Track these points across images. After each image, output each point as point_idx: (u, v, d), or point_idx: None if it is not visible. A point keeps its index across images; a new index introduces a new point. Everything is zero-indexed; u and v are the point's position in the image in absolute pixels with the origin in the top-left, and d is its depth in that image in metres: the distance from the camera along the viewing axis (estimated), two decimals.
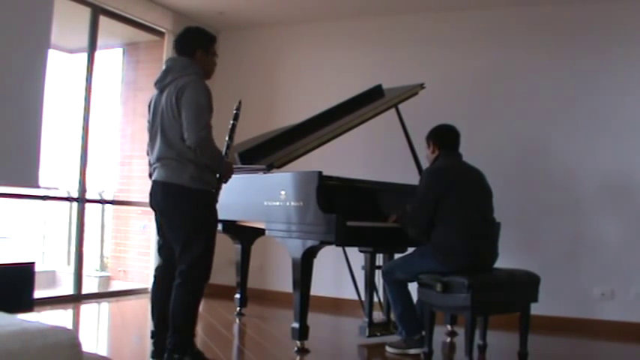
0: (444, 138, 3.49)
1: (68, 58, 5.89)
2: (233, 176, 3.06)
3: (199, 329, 3.14)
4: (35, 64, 3.88)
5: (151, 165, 3.03)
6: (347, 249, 4.07)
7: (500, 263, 3.37)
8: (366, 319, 3.80)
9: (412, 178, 3.81)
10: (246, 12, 5.39)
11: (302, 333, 3.36)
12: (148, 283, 5.42)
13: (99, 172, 5.74)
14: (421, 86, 4.30)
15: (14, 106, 3.74)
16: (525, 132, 4.79)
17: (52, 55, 4.07)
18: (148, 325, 3.97)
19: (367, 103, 4.12)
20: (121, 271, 5.84)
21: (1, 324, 1.54)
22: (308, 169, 3.41)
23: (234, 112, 3.21)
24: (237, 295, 4.58)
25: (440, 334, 3.85)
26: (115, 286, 5.74)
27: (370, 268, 3.85)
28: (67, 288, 5.13)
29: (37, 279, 4.26)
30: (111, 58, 6.03)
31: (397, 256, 3.77)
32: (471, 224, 3.22)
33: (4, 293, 3.74)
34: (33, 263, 4.25)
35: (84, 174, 4.89)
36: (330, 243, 3.24)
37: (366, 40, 5.39)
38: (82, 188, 4.90)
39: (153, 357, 2.93)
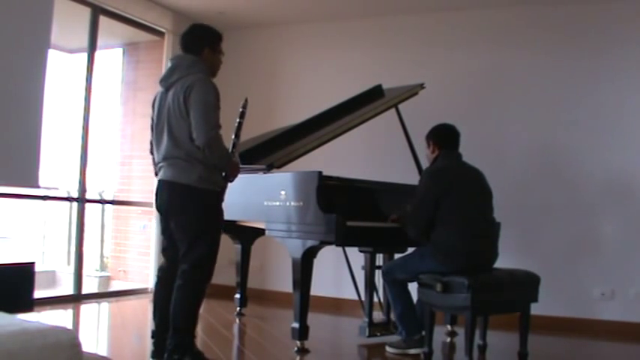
0: (444, 138, 3.49)
1: (68, 58, 5.89)
2: None
3: (199, 329, 3.15)
4: (35, 64, 3.88)
5: (155, 164, 3.00)
6: (347, 249, 4.07)
7: (500, 263, 3.37)
8: (366, 319, 3.80)
9: (412, 178, 3.81)
10: (246, 12, 5.39)
11: (302, 333, 3.36)
12: (148, 283, 5.43)
13: (99, 172, 5.74)
14: (421, 86, 4.30)
15: (14, 106, 3.74)
16: (525, 132, 4.79)
17: (52, 55, 4.07)
18: (148, 325, 3.97)
19: (367, 103, 4.12)
20: (121, 271, 5.83)
21: (1, 324, 1.54)
22: (308, 169, 3.41)
23: (241, 110, 3.15)
24: (237, 295, 4.58)
25: (440, 334, 3.85)
26: (115, 286, 5.74)
27: (370, 268, 3.85)
28: (67, 288, 5.13)
29: (37, 279, 4.26)
30: (111, 58, 6.03)
31: (397, 256, 3.77)
32: (471, 224, 3.22)
33: (4, 293, 3.74)
34: (33, 263, 4.25)
35: (84, 174, 4.89)
36: (330, 243, 3.24)
37: (366, 40, 5.39)
38: (82, 188, 4.90)
39: (153, 357, 2.92)
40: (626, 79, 4.52)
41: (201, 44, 2.97)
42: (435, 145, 3.49)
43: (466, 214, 3.22)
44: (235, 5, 5.24)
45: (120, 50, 6.08)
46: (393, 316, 3.71)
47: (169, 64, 2.98)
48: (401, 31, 5.27)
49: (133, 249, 5.79)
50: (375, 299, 3.97)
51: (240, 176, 3.12)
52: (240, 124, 3.14)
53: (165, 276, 2.97)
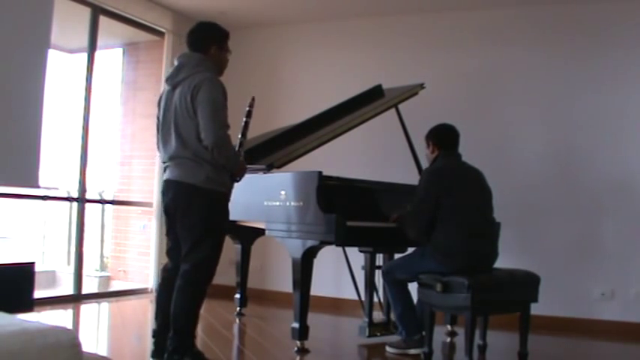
0: (444, 138, 3.49)
1: (68, 58, 5.89)
2: None
3: (199, 329, 3.14)
4: (35, 64, 3.88)
5: (164, 162, 2.96)
6: (347, 249, 4.06)
7: (500, 263, 3.37)
8: (366, 319, 3.80)
9: (412, 178, 3.81)
10: (246, 12, 5.39)
11: (302, 333, 3.36)
12: (148, 283, 5.43)
13: (99, 172, 5.74)
14: (421, 86, 4.30)
15: (14, 106, 3.74)
16: (525, 132, 4.79)
17: (52, 55, 4.07)
18: (148, 325, 3.98)
19: (367, 103, 4.12)
20: (121, 271, 5.83)
21: (1, 324, 1.54)
22: (308, 169, 3.41)
23: (248, 109, 3.13)
24: (237, 295, 4.58)
25: (440, 334, 3.85)
26: (115, 286, 5.74)
27: (370, 268, 3.85)
28: (67, 288, 5.13)
29: (37, 279, 4.26)
30: (111, 58, 6.03)
31: (397, 256, 3.77)
32: (471, 224, 3.21)
33: (4, 293, 3.74)
34: (33, 263, 4.25)
35: (84, 174, 4.89)
36: (330, 243, 3.24)
37: (366, 40, 5.39)
38: (82, 188, 4.90)
39: (153, 356, 2.92)
40: (626, 79, 4.52)
41: (208, 42, 2.94)
42: (434, 146, 3.49)
43: (466, 214, 3.22)
44: (236, 5, 5.24)
45: (120, 50, 6.08)
46: (393, 316, 3.71)
47: (176, 63, 2.95)
48: (401, 31, 5.27)
49: (133, 249, 5.79)
50: (375, 299, 3.97)
51: None
52: (246, 123, 3.12)
53: (169, 276, 2.94)
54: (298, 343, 3.37)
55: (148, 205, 5.53)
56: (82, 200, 4.92)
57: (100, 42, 5.02)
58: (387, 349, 3.51)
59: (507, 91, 4.90)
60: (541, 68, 4.77)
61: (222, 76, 3.04)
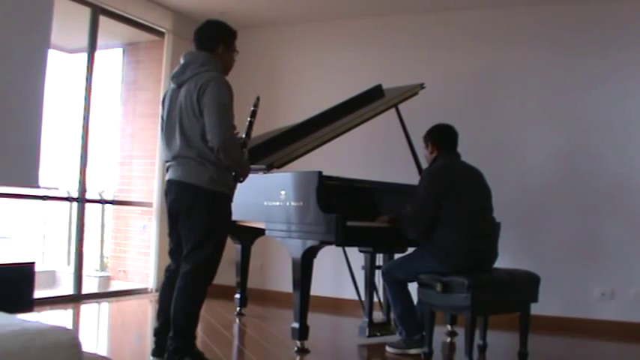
0: (443, 138, 3.49)
1: (68, 58, 5.89)
2: None
3: (199, 329, 3.14)
4: (35, 64, 3.87)
5: (167, 161, 2.94)
6: (347, 249, 4.06)
7: (500, 263, 3.37)
8: (366, 319, 3.80)
9: (412, 178, 3.81)
10: (246, 12, 5.39)
11: (302, 333, 3.36)
12: (148, 283, 5.44)
13: (99, 172, 5.74)
14: (421, 86, 4.30)
15: (14, 106, 3.74)
16: (525, 132, 4.79)
17: (52, 55, 4.07)
18: (148, 325, 3.98)
19: (367, 103, 4.12)
20: (121, 271, 5.83)
21: (1, 324, 1.54)
22: (308, 169, 3.41)
23: (252, 109, 3.11)
24: (237, 295, 4.58)
25: (440, 334, 3.85)
26: (115, 286, 5.74)
27: (370, 268, 3.85)
28: (67, 288, 5.13)
29: (37, 279, 4.26)
30: (111, 58, 6.03)
31: (397, 256, 3.77)
32: (471, 224, 3.21)
33: (4, 293, 3.73)
34: (33, 263, 4.25)
35: (84, 174, 4.89)
36: (330, 243, 3.24)
37: (366, 40, 5.39)
38: (82, 188, 4.90)
39: (154, 355, 2.91)
40: (627, 79, 4.52)
41: (215, 41, 2.91)
42: (433, 146, 3.49)
43: (466, 214, 3.22)
44: (236, 5, 5.24)
45: (120, 50, 6.08)
46: (393, 316, 3.71)
47: (182, 61, 2.91)
48: (401, 31, 5.27)
49: (133, 249, 5.79)
50: (375, 299, 3.97)
51: None
52: (251, 123, 3.09)
53: (172, 276, 2.92)
54: (298, 343, 3.37)
55: (148, 205, 5.53)
56: (82, 200, 4.92)
57: (100, 42, 5.02)
58: (387, 349, 3.51)
59: (507, 91, 4.89)
60: (541, 68, 4.77)
61: None
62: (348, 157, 4.96)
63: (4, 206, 5.24)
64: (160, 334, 2.91)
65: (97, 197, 5.67)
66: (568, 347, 4.09)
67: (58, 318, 4.19)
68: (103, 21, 5.00)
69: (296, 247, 3.34)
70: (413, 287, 3.36)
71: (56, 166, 5.49)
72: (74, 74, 5.44)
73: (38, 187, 4.03)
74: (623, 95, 4.52)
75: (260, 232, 3.70)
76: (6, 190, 4.09)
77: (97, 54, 5.02)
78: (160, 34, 5.51)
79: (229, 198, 2.93)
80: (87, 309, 4.65)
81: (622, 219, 4.47)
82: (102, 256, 6.07)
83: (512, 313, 3.29)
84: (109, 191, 5.92)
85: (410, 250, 3.67)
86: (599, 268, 4.47)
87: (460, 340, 3.67)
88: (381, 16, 5.30)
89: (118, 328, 4.22)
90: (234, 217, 3.79)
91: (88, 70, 4.92)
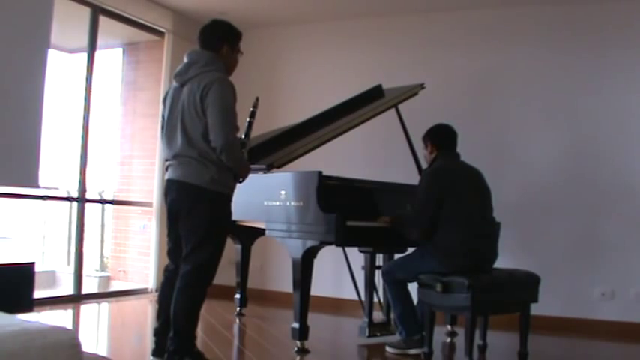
0: (443, 138, 3.49)
1: (68, 58, 5.89)
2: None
3: (199, 329, 3.14)
4: (35, 64, 3.87)
5: (167, 160, 2.93)
6: (347, 249, 4.06)
7: (500, 263, 3.37)
8: (366, 319, 3.80)
9: (412, 178, 3.81)
10: (246, 12, 5.39)
11: (302, 333, 3.36)
12: (148, 283, 5.43)
13: (99, 172, 5.74)
14: (421, 86, 4.30)
15: (14, 106, 3.73)
16: (525, 132, 4.79)
17: (52, 55, 4.07)
18: (148, 325, 3.98)
19: (367, 103, 4.11)
20: (121, 271, 5.83)
21: (1, 324, 1.54)
22: (308, 169, 3.41)
23: (252, 109, 3.12)
24: (237, 295, 4.58)
25: (440, 334, 3.85)
26: (115, 286, 5.74)
27: (370, 268, 3.85)
28: (67, 288, 5.13)
29: (37, 279, 4.26)
30: (111, 58, 6.03)
31: (397, 256, 3.77)
32: (471, 224, 3.22)
33: (4, 293, 3.74)
34: (33, 263, 4.25)
35: (84, 174, 4.89)
36: (330, 243, 3.24)
37: (366, 40, 5.39)
38: (82, 188, 4.90)
39: (154, 355, 2.91)
40: (627, 80, 4.52)
41: (220, 41, 2.90)
42: (432, 146, 3.49)
43: (466, 214, 3.22)
44: (236, 6, 5.24)
45: (120, 50, 6.08)
46: (393, 316, 3.71)
47: (185, 59, 2.90)
48: (401, 31, 5.27)
49: (133, 249, 5.79)
50: (375, 299, 3.97)
51: None
52: (250, 123, 3.10)
53: (172, 276, 2.92)
54: (298, 343, 3.37)
55: (148, 205, 5.53)
56: (82, 200, 4.92)
57: (100, 42, 5.02)
58: (387, 349, 3.51)
59: (507, 91, 4.89)
60: (541, 68, 4.77)
61: None
62: (348, 157, 4.96)
63: (4, 206, 5.25)
64: (160, 334, 2.90)
65: (97, 197, 5.67)
66: (568, 347, 4.09)
67: (58, 318, 4.19)
68: (103, 21, 5.00)
69: (296, 247, 3.34)
70: (413, 287, 3.36)
71: (56, 166, 5.49)
72: (74, 74, 5.44)
73: (38, 187, 4.03)
74: (623, 95, 4.52)
75: (260, 232, 3.70)
76: (6, 190, 4.09)
77: (97, 54, 5.02)
78: (160, 34, 5.51)
79: (229, 198, 2.93)
80: (87, 309, 4.65)
81: (622, 219, 4.46)
82: (102, 256, 6.08)
83: (512, 313, 3.30)
84: (109, 191, 5.93)
85: (410, 250, 3.67)
86: (599, 268, 4.47)
87: (460, 340, 3.67)
88: (381, 16, 5.30)
89: (118, 328, 4.22)
90: (234, 217, 3.81)
91: (88, 70, 4.92)
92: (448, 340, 3.96)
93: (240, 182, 2.98)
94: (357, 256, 3.98)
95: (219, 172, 2.80)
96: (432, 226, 3.25)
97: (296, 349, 3.37)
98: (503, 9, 4.88)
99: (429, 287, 3.15)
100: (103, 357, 2.82)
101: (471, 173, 3.43)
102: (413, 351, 3.41)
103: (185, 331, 2.79)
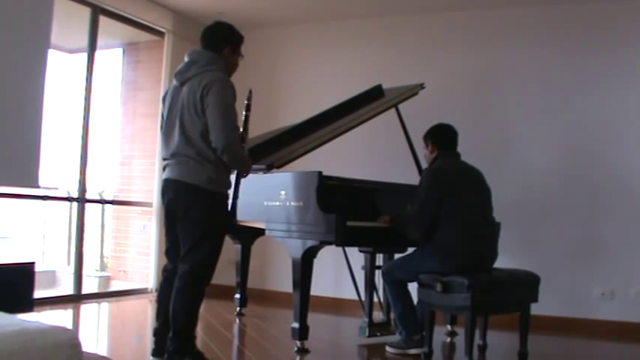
0: (443, 138, 3.49)
1: (68, 58, 5.89)
2: (233, 176, 3.05)
3: (199, 329, 3.15)
4: (35, 64, 3.87)
5: (165, 159, 2.93)
6: (347, 249, 4.07)
7: (500, 263, 3.37)
8: (366, 319, 3.80)
9: (412, 178, 3.81)
10: (246, 12, 5.39)
11: (302, 333, 3.36)
12: (148, 283, 5.43)
13: (99, 172, 5.74)
14: (421, 86, 4.30)
15: (14, 106, 3.74)
16: (525, 132, 4.79)
17: (52, 55, 4.07)
18: (148, 325, 3.98)
19: (367, 103, 4.11)
20: (121, 271, 5.84)
21: (1, 324, 1.55)
22: (308, 169, 3.41)
23: (246, 102, 3.11)
24: (237, 295, 4.58)
25: (440, 334, 3.85)
26: (115, 286, 5.74)
27: (370, 268, 3.85)
28: (67, 288, 5.13)
29: (37, 279, 4.26)
30: (111, 58, 6.03)
31: (397, 256, 3.77)
32: (471, 224, 3.21)
33: (4, 293, 3.74)
34: (33, 263, 4.25)
35: (84, 174, 4.89)
36: (330, 243, 3.24)
37: (366, 40, 5.39)
38: (82, 188, 4.90)
39: (154, 355, 2.91)
40: (628, 79, 4.52)
41: (223, 43, 2.92)
42: (433, 145, 3.49)
43: (466, 214, 3.22)
44: (235, 5, 5.24)
45: (120, 50, 6.08)
46: (393, 316, 3.71)
47: (186, 59, 2.90)
48: (401, 31, 5.27)
49: (133, 249, 5.79)
50: (375, 299, 3.97)
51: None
52: (247, 116, 3.10)
53: (170, 276, 2.92)
54: (298, 343, 3.37)
55: (148, 205, 5.53)
56: (82, 200, 4.92)
57: (100, 42, 5.02)
58: (387, 349, 3.51)
59: (507, 91, 4.89)
60: (541, 68, 4.77)
61: None
62: (348, 157, 4.96)
63: (4, 206, 5.25)
64: (159, 334, 2.90)
65: (97, 197, 5.67)
66: (568, 347, 4.09)
67: (58, 318, 4.19)
68: (103, 21, 5.00)
69: (296, 247, 3.33)
70: (413, 287, 3.36)
71: (56, 166, 5.49)
72: (74, 74, 5.44)
73: (38, 187, 4.03)
74: (623, 95, 4.52)
75: (260, 232, 3.70)
76: (6, 190, 4.09)
77: (97, 54, 5.01)
78: (160, 34, 5.51)
79: (227, 197, 2.93)
80: (87, 309, 4.65)
81: (622, 219, 4.46)
82: (102, 256, 6.08)
83: (512, 313, 3.30)
84: (109, 191, 5.93)
85: (410, 250, 3.67)
86: (599, 268, 4.47)
87: (460, 340, 3.67)
88: (381, 16, 5.30)
89: (118, 328, 4.22)
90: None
91: (88, 70, 4.92)
92: (448, 340, 3.96)
93: (244, 177, 3.01)
94: (357, 256, 3.98)
95: (217, 171, 2.80)
96: (432, 225, 3.25)
97: (296, 349, 3.37)
98: (503, 9, 4.88)
99: (429, 287, 3.15)
100: (103, 357, 2.83)
101: (471, 173, 3.42)
102: (413, 351, 3.41)
103: (185, 331, 2.79)
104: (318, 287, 3.78)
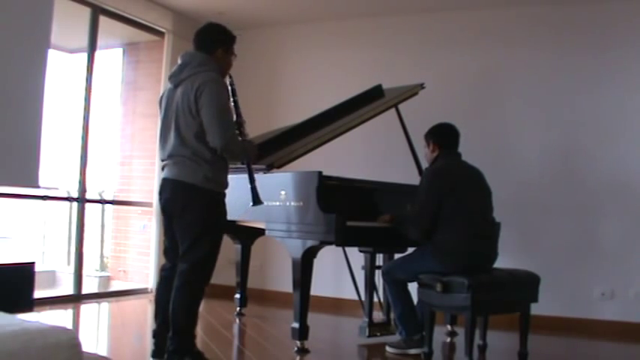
0: (445, 137, 3.48)
1: (68, 58, 5.88)
2: (233, 176, 3.04)
3: (199, 329, 3.15)
4: (35, 64, 3.87)
5: (162, 160, 2.96)
6: (347, 249, 4.06)
7: (500, 263, 3.37)
8: (366, 319, 3.80)
9: (412, 178, 3.81)
10: (245, 12, 5.39)
11: (302, 333, 3.36)
12: (148, 283, 5.43)
13: (99, 172, 5.74)
14: (421, 86, 4.30)
15: (14, 106, 3.74)
16: (525, 132, 4.79)
17: (52, 55, 4.07)
18: (148, 325, 3.98)
19: (367, 103, 4.11)
20: (121, 271, 5.84)
21: (1, 324, 1.55)
22: (308, 169, 3.41)
23: (230, 87, 3.04)
24: (237, 295, 4.58)
25: (440, 334, 3.85)
26: (115, 286, 5.74)
27: (370, 268, 3.85)
28: (67, 288, 5.13)
29: (37, 279, 4.26)
30: (111, 58, 6.03)
31: (397, 256, 3.77)
32: (471, 224, 3.21)
33: (4, 293, 3.74)
34: (33, 263, 4.25)
35: (84, 174, 4.89)
36: (330, 243, 3.24)
37: (366, 40, 5.39)
38: (82, 188, 4.90)
39: (153, 356, 2.91)
40: (627, 79, 4.52)
41: (215, 44, 2.93)
42: (434, 145, 3.49)
43: (466, 214, 3.22)
44: (235, 5, 5.24)
45: (120, 50, 6.08)
46: (393, 316, 3.71)
47: (179, 61, 2.93)
48: (401, 31, 5.27)
49: (133, 249, 5.79)
50: (375, 299, 3.97)
51: (240, 176, 3.12)
52: (235, 102, 3.06)
53: (168, 276, 2.93)
54: (298, 343, 3.37)
55: (148, 205, 5.53)
56: (82, 200, 4.92)
57: (100, 42, 5.02)
58: (387, 349, 3.51)
59: (507, 91, 4.89)
60: (541, 68, 4.77)
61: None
62: (348, 157, 4.96)
63: (4, 206, 5.24)
64: (159, 335, 2.91)
65: (97, 197, 5.67)
66: (568, 347, 4.09)
67: (58, 318, 4.19)
68: (103, 21, 5.00)
69: (296, 247, 3.34)
70: (413, 287, 3.36)
71: (56, 166, 5.49)
72: (74, 74, 5.44)
73: (38, 187, 4.03)
74: (622, 95, 4.52)
75: (260, 232, 3.70)
76: (6, 190, 4.09)
77: (97, 54, 5.02)
78: (160, 34, 5.51)
79: (224, 196, 2.94)
80: (87, 309, 4.65)
81: (622, 219, 4.47)
82: (102, 256, 6.08)
83: (512, 313, 3.30)
84: (109, 191, 5.93)
85: (410, 250, 3.67)
86: (599, 268, 4.47)
87: (460, 340, 3.67)
88: (381, 16, 5.30)
89: (118, 328, 4.22)
90: (234, 217, 3.81)
91: (88, 70, 4.92)
92: (448, 340, 3.96)
93: (254, 163, 3.06)
94: (357, 256, 3.98)
95: (213, 170, 2.82)
96: (432, 226, 3.25)
97: (296, 349, 3.37)
98: (503, 9, 4.88)
99: (429, 287, 3.15)
100: (103, 357, 2.82)
101: (471, 173, 3.42)
102: (413, 351, 3.41)
103: (184, 330, 2.79)
104: (318, 287, 3.78)
